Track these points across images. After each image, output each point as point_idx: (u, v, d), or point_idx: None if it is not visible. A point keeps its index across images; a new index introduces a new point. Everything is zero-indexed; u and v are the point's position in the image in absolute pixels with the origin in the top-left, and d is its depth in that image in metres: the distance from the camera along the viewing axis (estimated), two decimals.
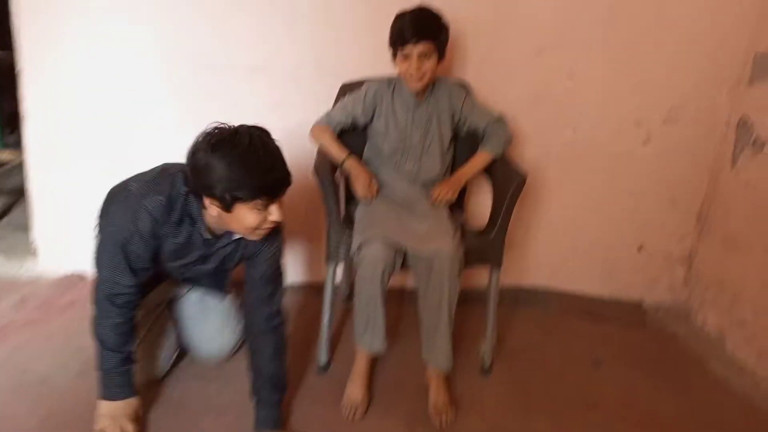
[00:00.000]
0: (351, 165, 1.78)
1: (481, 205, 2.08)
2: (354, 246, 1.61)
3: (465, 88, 1.91)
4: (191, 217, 1.35)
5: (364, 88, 1.85)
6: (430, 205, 1.79)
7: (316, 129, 1.84)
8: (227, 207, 1.23)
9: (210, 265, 1.47)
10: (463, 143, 1.92)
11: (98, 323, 1.36)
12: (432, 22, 1.67)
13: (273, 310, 1.49)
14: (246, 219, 1.25)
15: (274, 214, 1.26)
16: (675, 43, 2.11)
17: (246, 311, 1.52)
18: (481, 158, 1.82)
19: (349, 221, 1.78)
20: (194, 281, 1.67)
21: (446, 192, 1.79)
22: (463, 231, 1.75)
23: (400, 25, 1.68)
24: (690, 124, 2.21)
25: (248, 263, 1.48)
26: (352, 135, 1.88)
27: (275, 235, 1.42)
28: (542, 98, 2.17)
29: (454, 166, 1.92)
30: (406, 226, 1.66)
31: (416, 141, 1.82)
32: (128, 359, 1.39)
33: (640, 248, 2.37)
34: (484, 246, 1.75)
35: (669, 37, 2.11)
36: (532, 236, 2.35)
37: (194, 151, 1.21)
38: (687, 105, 2.19)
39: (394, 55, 1.72)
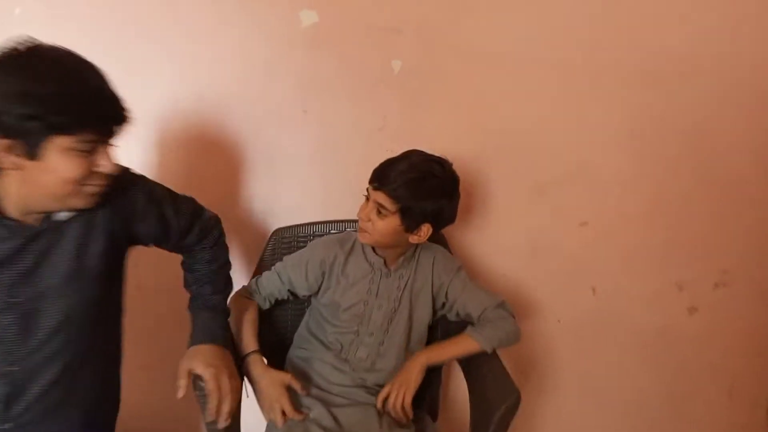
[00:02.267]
0: (254, 367, 1.20)
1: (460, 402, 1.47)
2: None
3: (457, 260, 1.38)
4: None
5: (308, 250, 1.34)
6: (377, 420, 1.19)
7: (236, 302, 1.30)
8: (31, 149, 0.82)
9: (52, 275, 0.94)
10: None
11: None
12: (413, 180, 1.18)
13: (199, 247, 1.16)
14: (63, 169, 0.85)
15: (105, 162, 0.89)
16: (730, 179, 1.58)
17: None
18: (463, 344, 1.26)
19: None
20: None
21: (398, 396, 1.21)
22: None
23: (383, 162, 1.23)
24: (748, 290, 1.62)
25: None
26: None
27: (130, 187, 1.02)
28: (546, 249, 1.61)
29: None
30: None
31: (377, 323, 1.28)
32: None
33: None
34: None
35: (719, 174, 1.58)
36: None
37: None
38: (747, 265, 1.62)
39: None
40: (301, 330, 1.37)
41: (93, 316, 1.00)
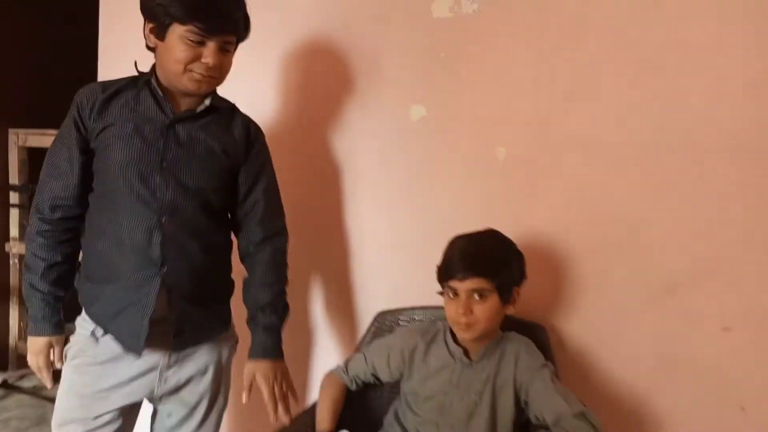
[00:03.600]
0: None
1: None
2: None
3: (542, 356, 1.27)
4: (143, 77, 1.22)
5: (393, 336, 1.39)
6: None
7: (326, 380, 1.37)
8: (162, 31, 1.14)
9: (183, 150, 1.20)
10: None
11: None
12: (493, 252, 1.22)
13: (263, 228, 1.30)
14: (176, 49, 1.13)
15: (209, 54, 1.14)
16: None
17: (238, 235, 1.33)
18: None
19: None
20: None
21: None
22: None
23: (451, 252, 1.25)
24: None
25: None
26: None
27: (258, 135, 1.32)
28: (682, 359, 1.37)
29: None
30: None
31: (458, 416, 1.23)
32: None
33: None
34: None
35: None
36: None
37: None
38: None
39: (442, 291, 1.26)
40: (389, 415, 1.35)
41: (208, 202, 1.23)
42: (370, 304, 1.60)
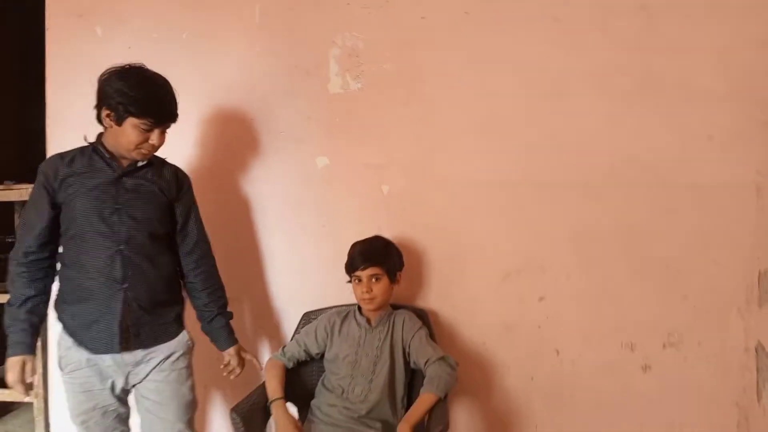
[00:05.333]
0: (275, 410, 1.72)
1: None
2: None
3: (420, 322, 1.85)
4: (91, 146, 1.61)
5: (316, 320, 1.92)
6: None
7: (268, 363, 1.86)
8: (119, 119, 1.52)
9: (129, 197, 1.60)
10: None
11: None
12: (380, 248, 1.84)
13: (195, 258, 1.74)
14: (131, 134, 1.53)
15: (154, 137, 1.55)
16: (657, 260, 1.93)
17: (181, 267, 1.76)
18: (425, 401, 1.67)
19: None
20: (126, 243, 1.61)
21: None
22: None
23: (353, 253, 1.84)
24: (697, 350, 1.92)
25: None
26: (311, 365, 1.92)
27: (185, 178, 1.75)
28: (516, 322, 2.02)
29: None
30: None
31: (365, 368, 1.78)
32: None
33: None
34: None
35: (649, 255, 1.94)
36: None
37: (106, 74, 1.54)
38: (692, 327, 1.92)
39: (350, 281, 1.84)
40: (318, 385, 1.87)
41: (154, 230, 1.64)
42: (283, 311, 2.14)
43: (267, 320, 2.16)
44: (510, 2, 1.95)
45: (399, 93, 2.03)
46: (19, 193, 2.30)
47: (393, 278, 1.83)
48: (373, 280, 1.78)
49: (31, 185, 1.64)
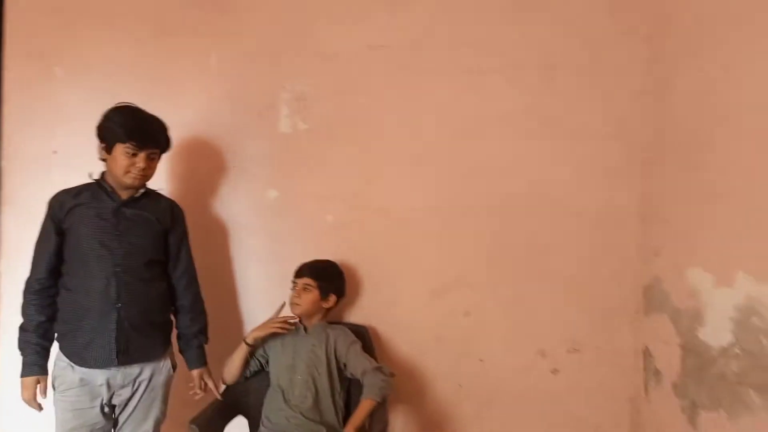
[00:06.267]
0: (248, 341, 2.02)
1: None
2: None
3: (354, 336, 2.08)
4: (96, 182, 1.84)
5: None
6: None
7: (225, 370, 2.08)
8: (110, 147, 1.77)
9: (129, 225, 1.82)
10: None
11: None
12: (322, 267, 2.14)
13: (184, 283, 1.97)
14: (119, 159, 1.76)
15: (140, 161, 1.77)
16: (563, 277, 2.26)
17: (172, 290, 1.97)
18: (365, 406, 1.88)
19: None
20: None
21: None
22: None
23: (301, 264, 2.12)
24: (596, 354, 2.24)
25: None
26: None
27: (180, 210, 2.00)
28: (446, 335, 2.29)
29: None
30: None
31: (303, 371, 2.00)
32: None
33: None
34: None
35: (556, 272, 2.27)
36: None
37: (104, 113, 1.80)
38: (591, 334, 2.25)
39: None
40: (266, 396, 2.06)
41: (149, 256, 1.85)
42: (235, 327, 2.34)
43: (220, 336, 2.33)
44: (437, 57, 2.28)
45: (341, 133, 2.31)
46: None
47: (324, 296, 2.05)
48: (305, 289, 2.02)
49: None
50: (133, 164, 1.77)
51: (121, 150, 1.75)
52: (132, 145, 1.75)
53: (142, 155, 1.77)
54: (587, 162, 2.24)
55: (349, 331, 2.10)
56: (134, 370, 1.83)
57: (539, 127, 2.25)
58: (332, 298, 2.08)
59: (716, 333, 1.74)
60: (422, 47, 2.28)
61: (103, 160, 1.83)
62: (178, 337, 2.00)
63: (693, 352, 1.86)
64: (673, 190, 2.02)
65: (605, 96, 2.23)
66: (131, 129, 1.75)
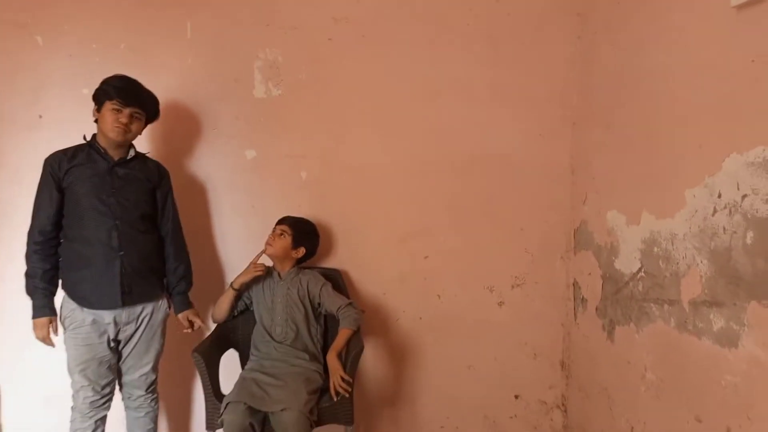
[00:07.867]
0: (234, 286, 2.30)
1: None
2: (221, 410, 1.96)
3: (323, 279, 2.37)
4: (88, 143, 2.04)
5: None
6: (290, 369, 2.19)
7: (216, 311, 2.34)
8: (100, 106, 1.99)
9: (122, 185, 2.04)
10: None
11: None
12: (297, 220, 2.38)
13: (170, 233, 2.20)
14: (107, 115, 1.97)
15: (123, 117, 1.98)
16: (508, 223, 2.63)
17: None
18: (344, 334, 2.21)
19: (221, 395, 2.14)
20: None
21: (338, 382, 2.06)
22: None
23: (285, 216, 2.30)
24: (535, 288, 2.64)
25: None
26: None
27: (165, 171, 2.22)
28: (408, 276, 2.63)
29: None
30: (265, 391, 2.03)
31: (280, 311, 2.29)
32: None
33: (517, 396, 2.65)
34: (335, 407, 2.07)
35: (502, 219, 2.63)
36: (417, 398, 2.66)
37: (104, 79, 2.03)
38: (531, 271, 2.64)
39: None
40: (253, 332, 2.36)
41: (143, 210, 2.09)
42: (217, 278, 2.60)
43: (204, 286, 2.59)
44: (396, 29, 2.54)
45: (312, 98, 2.55)
46: None
47: (296, 245, 2.30)
48: (280, 234, 2.29)
49: None
50: (116, 119, 1.97)
51: (108, 107, 1.97)
52: (118, 101, 1.97)
53: (126, 111, 1.99)
54: (527, 123, 2.59)
55: (319, 274, 2.39)
56: (137, 309, 2.07)
57: (487, 92, 2.57)
58: (301, 250, 2.32)
59: (628, 262, 2.14)
60: (382, 19, 2.54)
61: (96, 121, 2.03)
62: (166, 285, 2.23)
63: (611, 279, 2.27)
64: (596, 146, 2.40)
65: (543, 65, 2.57)
66: (119, 88, 1.99)
